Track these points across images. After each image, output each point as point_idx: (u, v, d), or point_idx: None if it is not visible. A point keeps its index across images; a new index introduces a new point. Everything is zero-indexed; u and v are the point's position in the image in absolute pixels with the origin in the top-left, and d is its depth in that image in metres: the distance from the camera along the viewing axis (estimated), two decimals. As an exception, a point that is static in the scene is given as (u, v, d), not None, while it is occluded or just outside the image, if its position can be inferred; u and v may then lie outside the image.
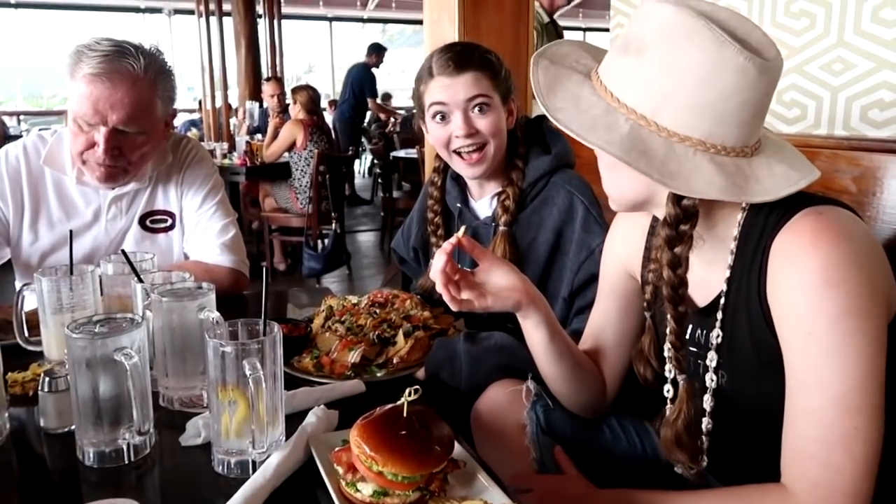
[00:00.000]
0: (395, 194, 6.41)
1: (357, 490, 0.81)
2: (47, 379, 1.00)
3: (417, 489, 0.80)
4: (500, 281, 1.05)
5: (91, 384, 0.90)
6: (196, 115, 9.19)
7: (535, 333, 1.08)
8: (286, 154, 5.09)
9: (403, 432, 0.80)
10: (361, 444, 0.79)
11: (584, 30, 14.49)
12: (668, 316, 0.95)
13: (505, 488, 0.84)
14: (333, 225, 4.86)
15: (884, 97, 1.29)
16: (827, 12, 1.37)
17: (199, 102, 9.17)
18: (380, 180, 7.04)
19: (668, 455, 0.96)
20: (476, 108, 1.39)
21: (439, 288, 1.02)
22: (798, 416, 0.84)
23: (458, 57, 1.39)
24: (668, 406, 0.99)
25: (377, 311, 1.40)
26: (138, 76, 1.48)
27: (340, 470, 0.83)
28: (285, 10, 8.62)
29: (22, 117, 12.26)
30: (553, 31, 3.70)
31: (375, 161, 7.99)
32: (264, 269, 0.99)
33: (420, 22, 2.31)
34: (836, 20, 1.35)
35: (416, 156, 5.68)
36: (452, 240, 1.03)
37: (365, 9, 13.48)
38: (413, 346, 1.24)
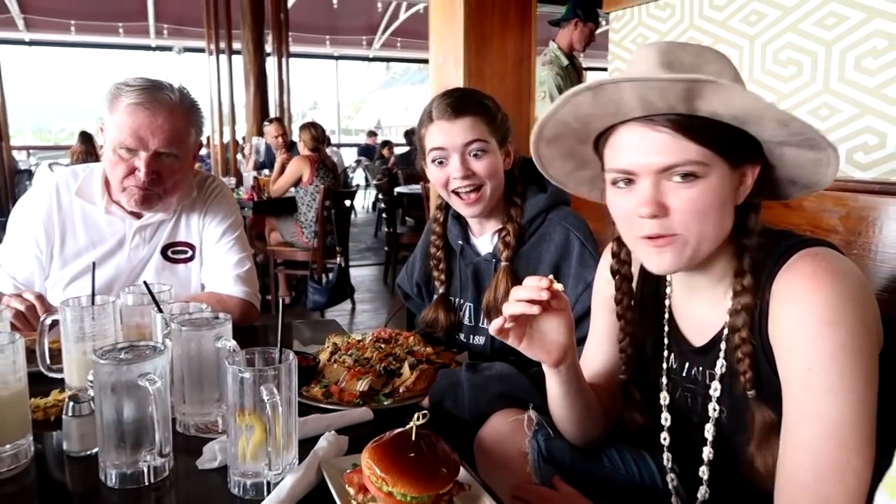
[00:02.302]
0: (399, 229, 6.49)
1: (367, 510, 0.85)
2: (71, 404, 1.05)
3: (425, 510, 0.85)
4: (552, 332, 1.04)
5: (115, 408, 0.95)
6: (203, 151, 9.35)
7: (557, 387, 1.11)
8: (292, 189, 5.18)
9: (412, 455, 0.85)
10: (372, 465, 0.84)
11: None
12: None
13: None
14: (338, 259, 4.93)
15: (868, 141, 1.36)
16: (813, 61, 1.45)
17: (207, 138, 9.35)
18: (384, 215, 7.13)
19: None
20: (473, 153, 1.46)
21: (510, 308, 1.01)
22: (793, 447, 0.89)
23: (457, 103, 1.46)
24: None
25: (382, 345, 1.46)
26: (175, 105, 1.61)
27: (352, 491, 0.87)
28: (293, 48, 8.84)
29: (31, 151, 12.48)
30: (573, 72, 3.81)
31: (380, 196, 8.10)
32: (281, 301, 1.05)
33: (424, 61, 2.40)
34: (822, 68, 1.43)
35: (419, 191, 5.77)
36: (545, 283, 0.99)
37: (370, 48, 13.78)
38: (419, 376, 1.29)
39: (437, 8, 2.14)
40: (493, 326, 1.03)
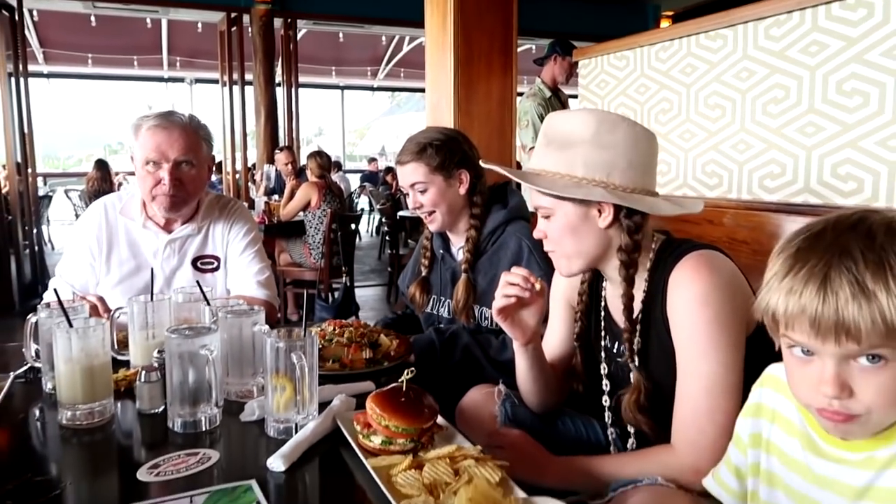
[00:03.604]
0: (402, 251, 6.82)
1: (370, 440, 1.16)
2: (143, 373, 1.37)
3: (412, 441, 1.16)
4: (527, 318, 1.36)
5: (182, 371, 1.27)
6: (214, 178, 9.73)
7: (524, 363, 1.44)
8: (301, 213, 5.53)
9: (403, 399, 1.17)
10: (374, 406, 1.16)
11: (573, 97, 15.15)
12: (622, 315, 1.32)
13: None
14: (344, 278, 5.26)
15: (773, 170, 1.69)
16: (732, 106, 1.78)
17: (219, 164, 9.74)
18: (387, 238, 7.45)
19: (632, 421, 1.31)
20: (418, 191, 1.87)
21: (506, 291, 1.34)
22: (681, 396, 1.20)
23: (403, 151, 1.89)
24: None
25: (351, 329, 1.74)
26: (186, 124, 1.99)
27: (358, 427, 1.19)
28: (301, 79, 9.26)
29: (40, 178, 12.89)
30: (557, 102, 4.19)
31: (383, 220, 8.44)
32: (304, 293, 1.37)
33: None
34: (739, 112, 1.77)
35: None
36: (538, 285, 1.33)
37: (375, 78, 14.24)
38: (399, 342, 1.69)
39: (431, 57, 2.50)
40: (497, 305, 1.36)
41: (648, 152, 1.29)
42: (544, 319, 1.52)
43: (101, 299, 1.84)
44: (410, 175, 1.87)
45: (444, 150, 1.87)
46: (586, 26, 8.71)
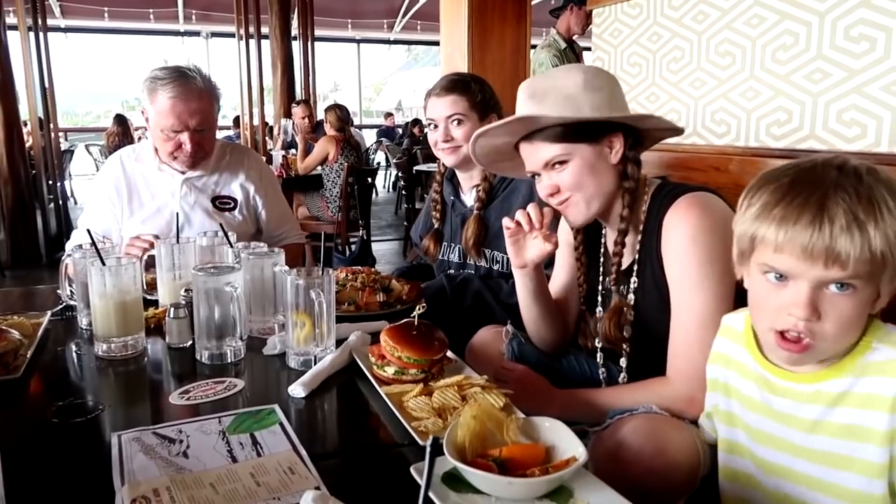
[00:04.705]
0: (418, 205, 6.87)
1: (384, 371, 1.24)
2: (172, 310, 1.45)
3: (423, 371, 1.24)
4: (530, 249, 1.44)
5: (209, 306, 1.36)
6: (232, 132, 9.78)
7: (523, 287, 1.51)
8: (318, 167, 5.58)
9: (415, 333, 1.24)
10: (387, 339, 1.23)
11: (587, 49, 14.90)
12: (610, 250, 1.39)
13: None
14: (360, 232, 5.35)
15: (780, 117, 1.71)
16: (742, 53, 1.80)
17: (235, 119, 9.77)
18: (403, 192, 7.51)
19: (605, 340, 1.40)
20: (454, 122, 1.88)
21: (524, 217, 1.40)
22: (675, 330, 1.27)
23: (444, 84, 1.92)
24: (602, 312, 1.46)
25: (362, 275, 1.81)
26: (202, 90, 2.06)
27: (373, 359, 1.27)
28: (317, 32, 9.21)
29: (61, 134, 13.04)
30: (572, 54, 4.17)
31: (399, 175, 8.48)
32: (324, 233, 1.44)
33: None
34: (749, 60, 1.78)
35: (436, 170, 6.12)
36: (546, 219, 1.39)
37: (391, 31, 14.08)
38: (410, 287, 1.77)
39: (445, 6, 2.51)
40: (508, 222, 1.43)
41: (621, 91, 1.41)
42: (549, 263, 1.59)
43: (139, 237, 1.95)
44: (450, 107, 1.90)
45: (486, 91, 1.93)
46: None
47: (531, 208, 1.40)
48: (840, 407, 0.94)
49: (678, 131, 1.40)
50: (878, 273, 0.88)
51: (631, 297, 1.39)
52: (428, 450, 0.62)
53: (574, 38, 4.20)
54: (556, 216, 1.67)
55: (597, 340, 1.50)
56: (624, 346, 1.40)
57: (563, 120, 1.30)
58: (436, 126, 1.94)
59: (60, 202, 6.84)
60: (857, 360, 0.93)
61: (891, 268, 0.87)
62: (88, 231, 1.58)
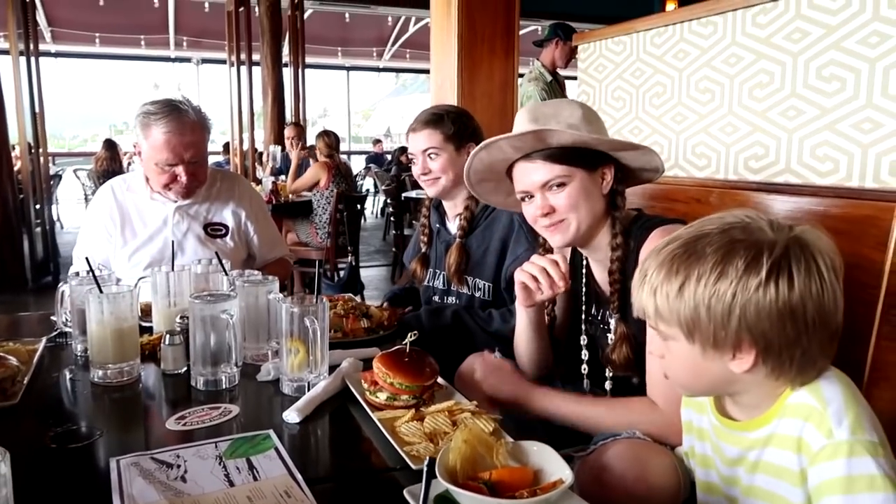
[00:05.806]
0: (406, 232, 6.92)
1: (376, 396, 1.28)
2: (168, 336, 1.48)
3: (414, 397, 1.27)
4: (546, 294, 1.43)
5: (205, 333, 1.39)
6: (222, 158, 9.82)
7: (523, 324, 1.55)
8: (307, 193, 5.63)
9: (406, 359, 1.28)
10: (380, 365, 1.27)
11: (571, 78, 15.17)
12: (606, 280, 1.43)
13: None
14: (349, 258, 5.38)
15: (757, 151, 1.78)
16: (721, 90, 1.87)
17: (225, 145, 9.82)
18: (392, 219, 7.56)
19: (621, 367, 1.43)
20: (430, 155, 1.97)
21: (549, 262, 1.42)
22: (650, 361, 1.31)
23: (419, 119, 2.00)
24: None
25: (339, 303, 1.85)
26: (195, 123, 2.11)
27: (365, 385, 1.30)
28: (307, 60, 9.32)
29: (53, 158, 13.01)
30: (556, 86, 4.27)
31: (388, 201, 8.53)
32: (317, 262, 1.48)
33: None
34: (727, 96, 1.86)
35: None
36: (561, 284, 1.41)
37: (381, 59, 14.26)
38: (390, 313, 1.83)
39: (436, 39, 2.59)
40: (518, 276, 1.45)
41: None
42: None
43: None
44: (425, 141, 1.97)
45: (459, 123, 1.99)
46: (590, 7, 8.73)
47: (550, 266, 1.41)
48: (769, 447, 0.99)
49: (660, 172, 1.46)
50: None
51: (617, 318, 1.44)
52: (425, 470, 0.65)
53: (557, 69, 4.30)
54: (544, 245, 1.73)
55: (583, 367, 1.54)
56: (635, 376, 1.43)
57: (578, 137, 1.35)
58: (412, 160, 2.04)
59: (48, 227, 6.82)
60: (784, 402, 0.98)
61: None
62: (87, 259, 1.61)
